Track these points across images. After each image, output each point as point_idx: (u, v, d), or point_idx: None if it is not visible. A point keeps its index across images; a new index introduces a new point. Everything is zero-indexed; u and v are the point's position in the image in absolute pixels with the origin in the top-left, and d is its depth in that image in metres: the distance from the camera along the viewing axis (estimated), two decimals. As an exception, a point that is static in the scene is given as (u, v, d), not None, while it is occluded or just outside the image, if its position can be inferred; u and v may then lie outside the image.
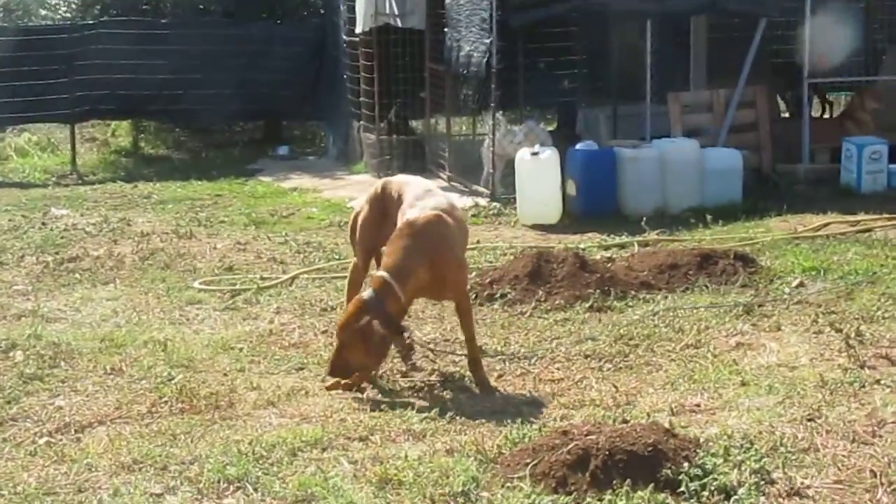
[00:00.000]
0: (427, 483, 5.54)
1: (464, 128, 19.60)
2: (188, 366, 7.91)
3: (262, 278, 10.48)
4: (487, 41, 14.88)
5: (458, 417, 6.63)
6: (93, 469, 5.91)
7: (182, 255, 11.51)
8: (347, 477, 5.68)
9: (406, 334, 7.86)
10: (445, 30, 16.25)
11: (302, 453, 6.02)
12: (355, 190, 16.43)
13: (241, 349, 8.33)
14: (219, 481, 5.62)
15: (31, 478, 5.86)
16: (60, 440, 6.54)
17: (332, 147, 21.07)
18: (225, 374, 7.70)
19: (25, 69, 20.40)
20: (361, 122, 18.80)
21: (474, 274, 10.19)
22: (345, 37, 19.36)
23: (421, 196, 7.53)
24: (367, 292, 7.12)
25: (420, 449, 6.09)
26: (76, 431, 6.69)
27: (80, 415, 6.96)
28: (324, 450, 6.08)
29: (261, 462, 5.87)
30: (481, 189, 15.41)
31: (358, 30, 18.36)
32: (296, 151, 21.70)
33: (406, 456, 5.91)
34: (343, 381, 7.25)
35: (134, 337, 8.64)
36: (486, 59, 14.93)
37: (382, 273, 7.10)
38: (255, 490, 5.54)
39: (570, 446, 5.62)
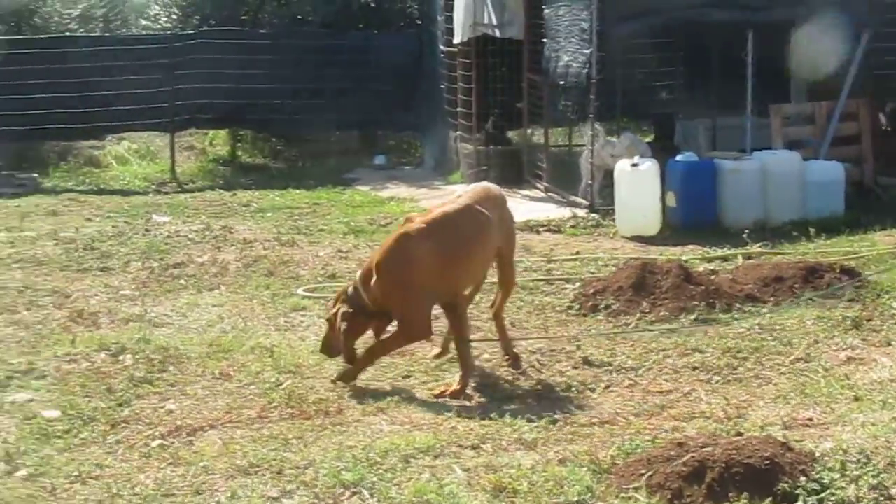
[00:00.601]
0: (542, 492, 5.54)
1: (560, 139, 19.55)
2: (295, 372, 7.97)
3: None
4: (587, 52, 14.84)
5: (567, 427, 6.61)
6: (209, 472, 5.98)
7: (285, 263, 11.58)
8: (462, 485, 5.68)
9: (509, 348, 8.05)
10: (544, 40, 16.23)
11: (415, 460, 6.04)
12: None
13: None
14: (334, 486, 5.66)
15: (147, 479, 5.94)
16: (172, 443, 6.62)
17: (429, 157, 21.10)
18: (333, 381, 7.73)
19: (126, 79, 20.68)
20: (458, 133, 18.81)
21: (577, 285, 10.18)
22: (443, 47, 19.41)
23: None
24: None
25: (532, 458, 6.08)
26: (188, 435, 6.76)
27: (192, 418, 7.03)
28: (436, 457, 6.09)
29: (375, 468, 5.89)
30: (579, 200, 15.36)
31: (456, 40, 18.40)
32: (392, 161, 21.77)
33: (519, 465, 5.91)
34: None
35: (241, 342, 8.72)
36: (585, 70, 14.91)
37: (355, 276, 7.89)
38: (371, 495, 5.57)
39: (685, 458, 5.58)
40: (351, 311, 7.67)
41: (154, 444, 6.60)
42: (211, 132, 23.58)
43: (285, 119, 21.68)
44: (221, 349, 8.57)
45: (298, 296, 10.19)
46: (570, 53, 15.42)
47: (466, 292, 8.18)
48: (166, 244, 12.82)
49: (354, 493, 5.60)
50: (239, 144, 23.37)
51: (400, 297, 7.56)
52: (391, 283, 7.55)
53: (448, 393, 7.40)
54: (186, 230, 13.75)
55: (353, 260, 11.88)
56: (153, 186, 19.70)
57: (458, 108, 18.57)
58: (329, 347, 7.91)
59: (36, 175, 20.35)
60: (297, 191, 18.20)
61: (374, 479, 5.74)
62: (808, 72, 16.61)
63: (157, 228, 14.02)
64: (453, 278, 7.77)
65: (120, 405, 7.35)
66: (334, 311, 7.82)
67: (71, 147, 22.68)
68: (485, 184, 8.58)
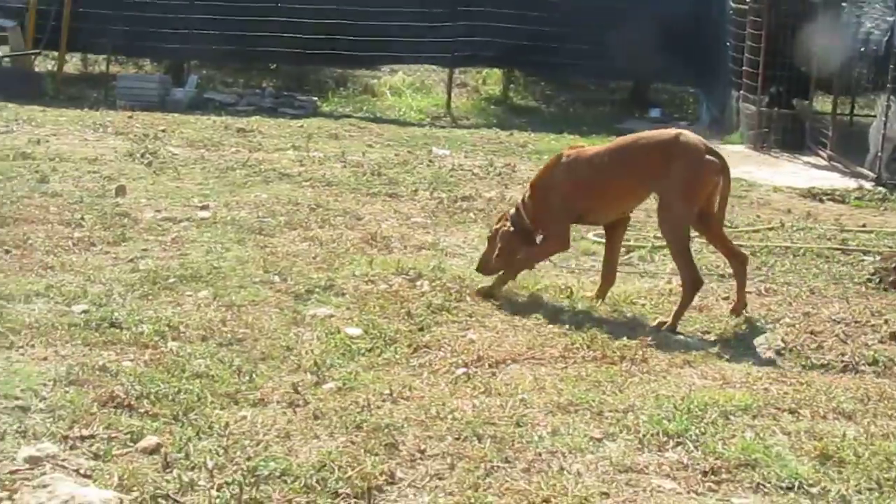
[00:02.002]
0: (871, 465, 5.30)
1: (847, 107, 18.90)
2: (592, 315, 7.86)
3: (656, 237, 10.34)
4: (891, 19, 14.24)
5: (882, 402, 6.34)
6: (528, 405, 5.92)
7: (572, 207, 11.48)
8: (785, 447, 5.49)
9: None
10: (843, 4, 15.65)
11: (734, 417, 5.86)
12: (730, 159, 15.99)
13: (642, 305, 8.23)
14: (658, 434, 5.53)
15: (465, 405, 5.91)
16: (476, 373, 6.58)
17: (706, 114, 20.68)
18: (630, 328, 7.60)
19: (410, 11, 20.86)
20: (741, 92, 18.36)
21: (877, 258, 9.80)
22: (732, 3, 18.92)
23: None
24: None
25: (854, 430, 5.84)
26: (490, 367, 6.72)
27: (493, 351, 6.98)
28: (754, 417, 5.90)
29: (695, 421, 5.74)
30: (865, 171, 14.82)
31: (749, -3, 17.91)
32: (668, 115, 21.42)
33: (843, 434, 5.67)
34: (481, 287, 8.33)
35: (534, 280, 8.66)
36: (886, 38, 14.31)
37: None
38: (696, 448, 5.42)
39: None
40: (511, 230, 8.38)
41: (458, 371, 6.59)
42: (485, 71, 23.66)
43: (561, 63, 21.53)
44: (519, 285, 8.52)
45: (589, 240, 10.07)
46: (872, 20, 14.83)
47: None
48: (451, 177, 12.89)
49: (679, 444, 5.47)
50: (511, 86, 23.37)
51: (544, 212, 8.33)
52: (540, 199, 8.34)
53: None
54: (469, 165, 13.79)
55: (638, 209, 11.67)
56: (428, 119, 19.85)
57: (744, 68, 18.09)
58: (485, 265, 8.50)
59: (315, 98, 20.76)
60: (572, 136, 18.05)
61: (697, 431, 5.59)
62: None
63: (440, 161, 14.09)
64: (589, 205, 8.28)
65: (420, 330, 7.37)
66: (495, 227, 8.55)
67: (348, 74, 23.08)
68: (670, 133, 8.22)
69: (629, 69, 21.87)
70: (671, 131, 8.24)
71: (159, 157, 13.40)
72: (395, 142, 16.10)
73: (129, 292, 7.80)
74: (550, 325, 7.58)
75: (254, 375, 6.35)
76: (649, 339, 7.29)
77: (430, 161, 14.03)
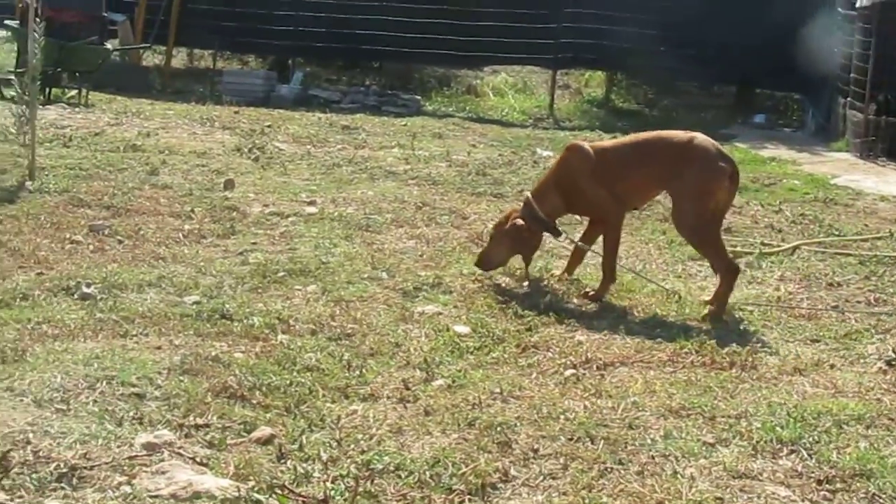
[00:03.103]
0: None
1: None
2: (699, 320, 7.81)
3: (763, 244, 10.26)
4: None
5: None
6: (639, 408, 5.90)
7: (675, 211, 11.42)
8: (901, 459, 5.41)
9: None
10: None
11: (847, 427, 5.77)
12: (836, 167, 15.90)
13: (750, 311, 8.15)
14: (771, 441, 5.48)
15: (576, 406, 5.90)
16: (584, 374, 6.57)
17: (811, 121, 20.44)
18: (741, 335, 7.54)
19: (513, 12, 20.88)
20: (848, 99, 18.12)
21: None
22: (840, 9, 18.69)
23: None
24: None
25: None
26: (598, 369, 6.70)
27: (601, 353, 6.96)
28: (868, 427, 5.81)
29: (808, 429, 5.67)
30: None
31: (858, 3, 17.66)
32: (772, 121, 21.21)
33: (964, 451, 5.58)
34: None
35: (642, 284, 8.63)
36: None
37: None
38: (810, 456, 5.36)
39: None
40: (522, 224, 8.46)
41: (567, 372, 6.57)
42: (588, 73, 23.61)
43: (665, 67, 21.38)
44: (623, 288, 8.50)
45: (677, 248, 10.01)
46: None
47: None
48: (556, 178, 12.87)
49: (793, 451, 5.40)
50: (614, 88, 23.29)
51: (583, 198, 8.47)
52: (570, 192, 8.48)
53: (590, 295, 8.26)
54: (573, 166, 13.75)
55: (746, 216, 11.62)
56: (530, 120, 19.84)
57: (852, 75, 17.86)
58: (486, 260, 8.55)
59: (419, 97, 20.84)
60: (675, 141, 17.92)
61: (811, 439, 5.53)
62: None
63: (543, 162, 14.08)
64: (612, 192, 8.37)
65: (528, 330, 7.38)
66: (514, 220, 8.53)
67: (451, 74, 23.15)
68: (685, 136, 8.25)
69: (733, 74, 21.70)
70: (686, 134, 8.31)
71: (266, 152, 13.55)
72: (499, 142, 16.13)
73: (240, 285, 7.89)
74: (658, 329, 7.54)
75: (363, 370, 6.39)
76: (758, 345, 7.22)
77: (535, 162, 14.05)
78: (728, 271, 8.05)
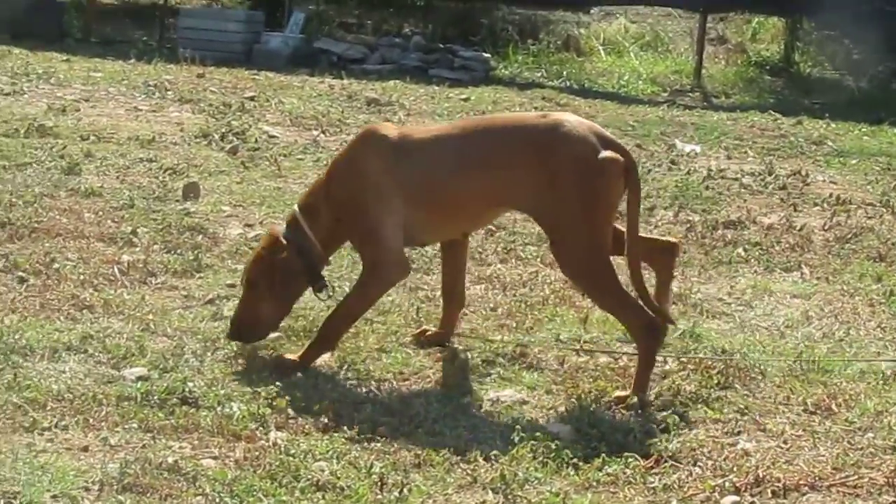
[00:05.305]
0: None
1: None
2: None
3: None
4: None
5: None
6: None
7: (901, 243, 11.49)
8: None
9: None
10: None
11: None
12: None
13: None
14: None
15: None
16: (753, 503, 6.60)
17: None
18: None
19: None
20: None
21: None
22: None
23: None
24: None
25: None
26: (775, 494, 6.73)
27: (779, 469, 6.97)
28: None
29: None
30: None
31: None
32: None
33: None
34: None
35: (842, 360, 8.67)
36: None
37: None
38: None
39: None
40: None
41: (726, 500, 6.61)
42: (755, 19, 23.61)
43: (878, 10, 21.35)
44: (812, 367, 8.54)
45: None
46: None
47: None
48: (708, 189, 12.95)
49: None
50: (797, 45, 23.27)
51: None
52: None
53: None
54: (735, 171, 13.85)
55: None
56: (665, 94, 19.90)
57: None
58: (239, 324, 8.20)
59: (488, 55, 20.92)
60: (893, 130, 17.95)
61: None
62: None
63: (688, 162, 14.14)
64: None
65: (664, 431, 7.41)
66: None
67: (539, 18, 23.21)
68: (538, 121, 8.23)
69: None
70: (547, 117, 8.27)
71: (249, 140, 13.70)
72: (616, 128, 16.17)
73: (209, 351, 7.98)
74: (868, 434, 7.55)
75: (405, 490, 6.44)
76: None
77: (672, 162, 14.10)
78: (643, 330, 7.99)
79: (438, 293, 9.35)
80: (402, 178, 8.04)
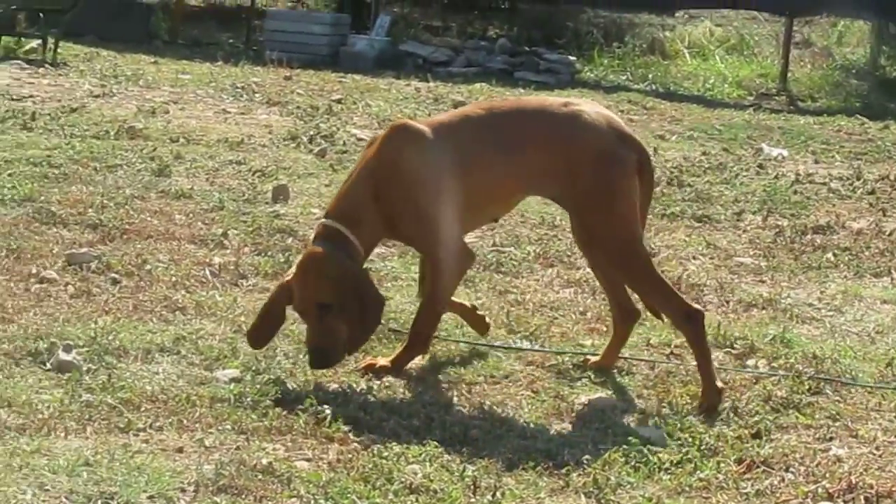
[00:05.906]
0: None
1: None
2: None
3: None
4: None
5: None
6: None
7: None
8: None
9: None
10: None
11: None
12: None
13: None
14: None
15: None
16: (852, 510, 6.58)
17: None
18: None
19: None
20: None
21: None
22: None
23: None
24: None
25: None
26: (867, 500, 6.69)
27: (872, 476, 6.94)
28: None
29: None
30: None
31: None
32: None
33: None
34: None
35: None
36: None
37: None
38: None
39: None
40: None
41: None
42: (841, 23, 23.49)
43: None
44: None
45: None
46: None
47: None
48: (797, 193, 12.91)
49: None
50: (884, 48, 23.15)
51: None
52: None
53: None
54: (823, 175, 13.79)
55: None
56: (752, 98, 19.82)
57: None
58: (317, 350, 7.90)
59: (573, 58, 20.92)
60: None
61: None
62: None
63: (775, 166, 14.10)
64: None
65: (755, 437, 7.39)
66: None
67: (625, 22, 23.16)
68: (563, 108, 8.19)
69: None
70: (568, 105, 8.22)
71: (337, 142, 13.71)
72: (702, 132, 16.18)
73: (301, 353, 7.99)
74: (969, 439, 7.53)
75: (498, 494, 6.43)
76: None
77: (760, 166, 14.07)
78: (688, 318, 7.98)
79: (528, 296, 9.39)
80: (444, 167, 7.99)
